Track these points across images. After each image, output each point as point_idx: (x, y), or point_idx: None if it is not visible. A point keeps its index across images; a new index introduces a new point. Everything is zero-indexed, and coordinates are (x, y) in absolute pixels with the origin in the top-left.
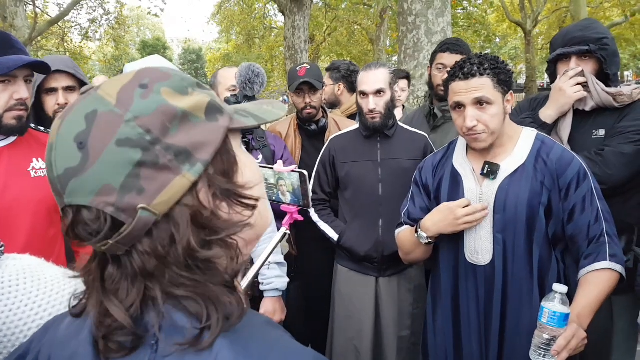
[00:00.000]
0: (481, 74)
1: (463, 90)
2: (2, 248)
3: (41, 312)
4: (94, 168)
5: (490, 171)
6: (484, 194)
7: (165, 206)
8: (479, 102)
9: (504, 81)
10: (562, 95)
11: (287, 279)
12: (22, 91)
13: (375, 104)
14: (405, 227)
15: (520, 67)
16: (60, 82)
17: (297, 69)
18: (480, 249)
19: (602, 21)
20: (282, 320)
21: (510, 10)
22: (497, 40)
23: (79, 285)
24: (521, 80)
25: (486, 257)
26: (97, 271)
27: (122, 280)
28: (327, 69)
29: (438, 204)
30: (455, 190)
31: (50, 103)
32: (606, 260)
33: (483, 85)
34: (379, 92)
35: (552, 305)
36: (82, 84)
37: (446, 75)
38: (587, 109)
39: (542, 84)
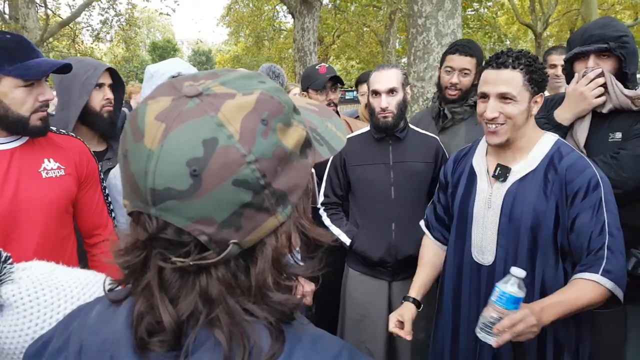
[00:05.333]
0: (514, 67)
1: (492, 80)
2: (10, 260)
3: None
4: (202, 199)
5: (500, 173)
6: (493, 196)
7: (252, 242)
8: (503, 97)
9: (536, 81)
10: (583, 100)
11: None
12: (47, 93)
13: (387, 103)
14: (428, 234)
15: None
16: (107, 79)
17: (317, 67)
18: (485, 248)
19: None
20: (313, 290)
21: (521, 13)
22: (508, 42)
23: (94, 288)
24: None
25: (489, 258)
26: (154, 270)
27: (179, 289)
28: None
29: (453, 201)
30: (469, 189)
31: (98, 97)
32: (598, 273)
33: (512, 79)
34: (391, 91)
35: (504, 286)
36: (120, 82)
37: (454, 78)
38: (605, 111)
39: None
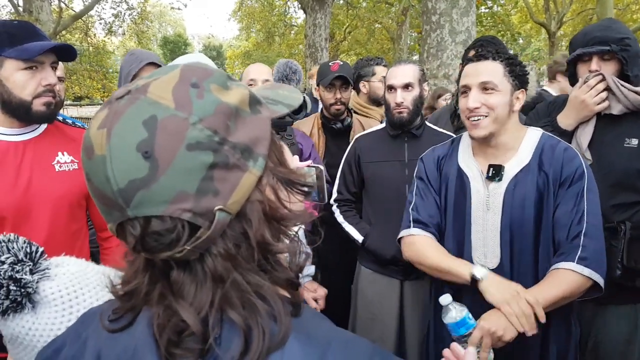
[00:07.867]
0: (494, 59)
1: (472, 72)
2: (45, 255)
3: None
4: (165, 176)
5: (495, 174)
6: (491, 197)
7: (238, 205)
8: (485, 87)
9: (517, 74)
10: (585, 107)
11: (312, 267)
12: (50, 77)
13: (402, 98)
14: (420, 233)
15: (542, 69)
16: None
17: (330, 64)
18: (488, 252)
19: (629, 23)
20: (325, 293)
21: (535, 11)
22: (521, 40)
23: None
24: (544, 82)
25: (494, 261)
26: (162, 277)
27: (190, 285)
28: (384, 65)
29: (445, 204)
30: (463, 191)
31: None
32: (573, 262)
33: (493, 70)
34: (407, 86)
35: (446, 319)
36: None
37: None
38: (615, 112)
39: None
